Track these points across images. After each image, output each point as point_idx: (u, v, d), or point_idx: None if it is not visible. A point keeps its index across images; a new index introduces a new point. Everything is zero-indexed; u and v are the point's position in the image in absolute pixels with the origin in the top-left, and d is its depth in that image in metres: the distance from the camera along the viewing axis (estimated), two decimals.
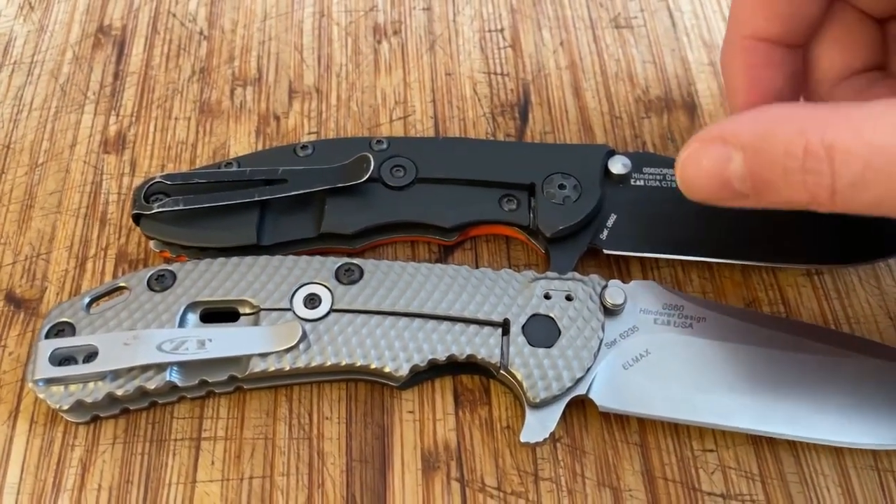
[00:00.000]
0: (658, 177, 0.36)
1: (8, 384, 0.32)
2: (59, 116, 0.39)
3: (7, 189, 0.37)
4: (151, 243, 0.35)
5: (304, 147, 0.36)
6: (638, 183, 0.35)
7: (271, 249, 0.34)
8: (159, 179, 0.34)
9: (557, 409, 0.30)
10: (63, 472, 0.30)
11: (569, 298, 0.32)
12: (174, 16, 0.43)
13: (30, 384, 0.30)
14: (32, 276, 0.35)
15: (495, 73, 0.41)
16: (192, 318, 0.31)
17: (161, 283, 0.32)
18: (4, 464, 0.30)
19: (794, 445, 0.31)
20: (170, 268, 0.32)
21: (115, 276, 0.35)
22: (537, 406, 0.30)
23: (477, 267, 0.33)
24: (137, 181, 0.37)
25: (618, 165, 0.35)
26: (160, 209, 0.33)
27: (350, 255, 0.35)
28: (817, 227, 0.35)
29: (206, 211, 0.33)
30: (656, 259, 0.35)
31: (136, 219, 0.34)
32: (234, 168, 0.35)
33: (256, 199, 0.34)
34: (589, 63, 0.41)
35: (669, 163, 0.36)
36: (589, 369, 0.30)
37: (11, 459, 0.31)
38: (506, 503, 0.30)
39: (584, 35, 0.42)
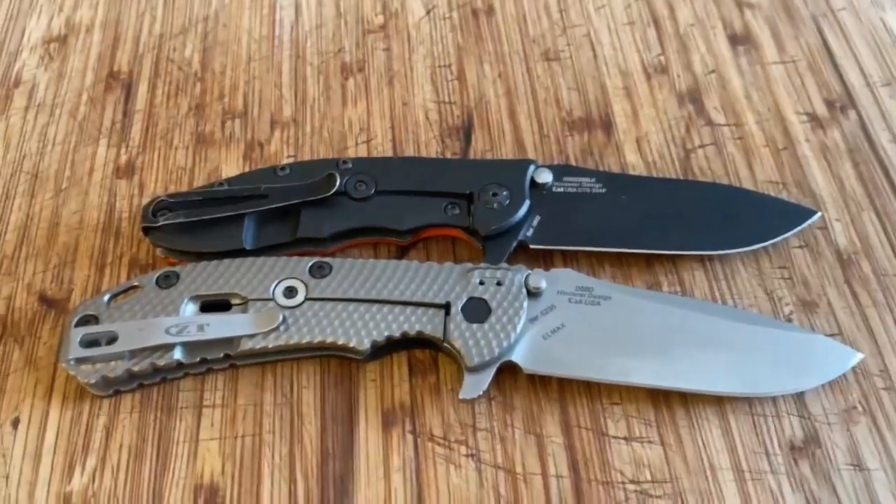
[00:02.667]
0: (575, 184, 0.43)
1: (44, 367, 0.39)
2: (78, 149, 0.47)
3: (37, 210, 0.44)
4: (158, 251, 0.42)
5: (282, 168, 0.43)
6: (559, 190, 0.43)
7: (255, 253, 0.41)
8: (163, 198, 0.41)
9: (489, 372, 0.37)
10: (91, 435, 0.37)
11: (499, 284, 0.39)
12: (173, 61, 0.50)
13: (62, 364, 0.37)
14: (61, 280, 0.42)
15: (444, 102, 0.48)
16: (193, 308, 0.38)
17: (167, 281, 0.39)
18: (43, 430, 0.37)
19: (684, 397, 0.38)
20: (174, 269, 0.39)
21: (128, 278, 0.42)
22: (473, 370, 0.37)
23: (427, 261, 0.40)
24: (145, 201, 0.44)
25: (541, 176, 0.42)
26: (165, 222, 0.40)
27: (322, 255, 0.42)
28: (707, 221, 0.42)
29: (202, 223, 0.40)
30: (575, 251, 0.42)
31: (146, 231, 0.41)
32: (225, 187, 0.42)
33: (243, 212, 0.41)
34: (523, 91, 0.49)
35: (585, 172, 0.43)
36: (514, 340, 0.37)
37: (48, 426, 0.37)
38: (450, 449, 0.37)
39: (519, 67, 0.50)
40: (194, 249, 0.41)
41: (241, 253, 0.41)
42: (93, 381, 0.37)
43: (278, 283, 0.39)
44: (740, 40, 0.50)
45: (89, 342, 0.37)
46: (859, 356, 0.38)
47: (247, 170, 0.46)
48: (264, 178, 0.42)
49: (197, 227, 0.41)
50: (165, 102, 0.49)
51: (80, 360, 0.37)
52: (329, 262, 0.39)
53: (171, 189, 0.45)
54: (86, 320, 0.38)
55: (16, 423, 0.38)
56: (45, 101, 0.49)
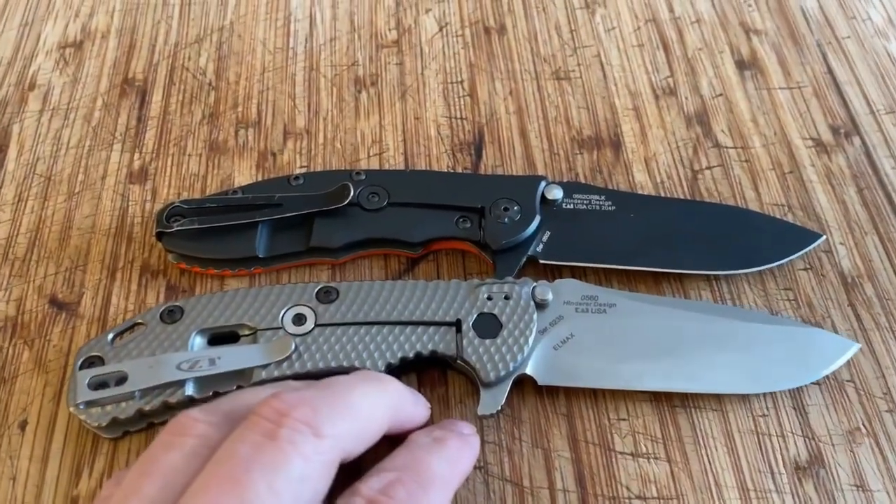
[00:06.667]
0: (585, 201, 0.43)
1: (53, 370, 0.39)
2: (91, 153, 0.47)
3: (50, 213, 0.44)
4: (170, 256, 0.42)
5: (296, 178, 0.43)
6: (569, 206, 0.43)
7: (268, 261, 0.41)
8: (178, 204, 0.41)
9: (505, 387, 0.37)
10: (100, 438, 0.37)
11: (507, 298, 0.39)
12: (187, 69, 0.51)
13: (71, 408, 0.35)
14: (72, 283, 0.42)
15: (455, 118, 0.49)
16: (201, 342, 0.37)
17: (171, 316, 0.37)
18: (51, 433, 0.37)
19: (690, 414, 0.38)
20: (177, 303, 0.38)
21: (139, 283, 0.42)
22: (489, 385, 0.37)
23: (438, 277, 0.40)
24: (157, 207, 0.44)
25: (552, 192, 0.43)
26: (179, 228, 0.41)
27: (333, 266, 0.42)
28: (714, 241, 0.43)
29: (216, 229, 0.41)
30: (583, 267, 0.42)
31: (159, 236, 0.41)
32: (239, 195, 0.43)
33: (256, 219, 0.41)
34: (533, 109, 0.49)
35: (595, 190, 0.44)
36: (528, 353, 0.38)
37: (56, 429, 0.37)
38: None
39: (530, 85, 0.50)
40: (207, 256, 0.41)
41: (253, 261, 0.41)
42: (103, 424, 0.36)
43: (286, 310, 0.38)
44: (747, 65, 0.51)
45: (98, 384, 0.36)
46: (856, 346, 0.39)
47: (259, 178, 0.46)
48: (278, 188, 0.43)
49: (211, 233, 0.41)
50: (179, 110, 0.49)
51: (89, 404, 0.36)
52: (335, 286, 0.39)
53: (184, 195, 0.45)
54: (90, 362, 0.36)
55: (23, 426, 0.38)
56: (60, 105, 0.49)
